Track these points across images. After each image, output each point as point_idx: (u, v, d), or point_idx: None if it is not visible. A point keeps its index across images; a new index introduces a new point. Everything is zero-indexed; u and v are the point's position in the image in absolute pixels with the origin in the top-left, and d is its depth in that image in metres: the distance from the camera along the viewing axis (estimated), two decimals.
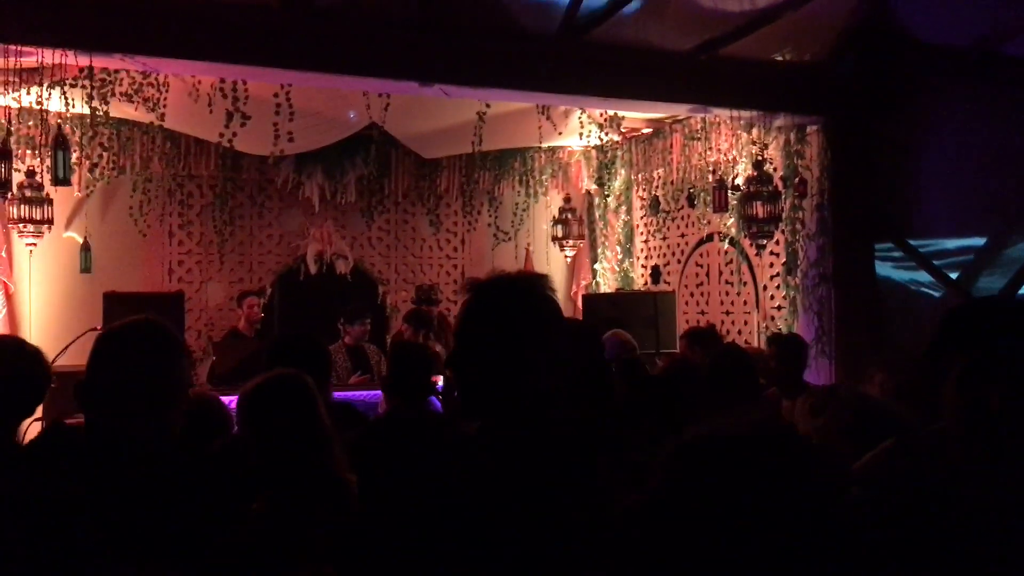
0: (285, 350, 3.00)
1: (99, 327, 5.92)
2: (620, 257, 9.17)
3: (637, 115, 7.98)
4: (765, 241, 6.89)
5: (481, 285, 1.86)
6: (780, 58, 6.68)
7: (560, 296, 7.66)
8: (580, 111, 7.53)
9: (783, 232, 7.07)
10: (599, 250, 9.43)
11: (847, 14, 6.39)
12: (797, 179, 7.00)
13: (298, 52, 5.54)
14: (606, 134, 7.95)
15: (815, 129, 6.98)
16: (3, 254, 7.16)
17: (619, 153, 8.94)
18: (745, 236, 7.11)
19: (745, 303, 7.79)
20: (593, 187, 9.24)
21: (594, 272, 9.44)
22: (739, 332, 7.78)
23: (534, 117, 7.41)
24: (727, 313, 8.02)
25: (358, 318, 7.25)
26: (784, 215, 6.90)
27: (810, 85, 6.71)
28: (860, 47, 6.60)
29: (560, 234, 8.99)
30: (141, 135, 7.42)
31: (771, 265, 7.45)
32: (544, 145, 8.54)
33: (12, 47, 5.12)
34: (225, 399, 5.97)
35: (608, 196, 9.16)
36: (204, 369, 7.82)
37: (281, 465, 2.24)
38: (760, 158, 6.85)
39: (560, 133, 7.81)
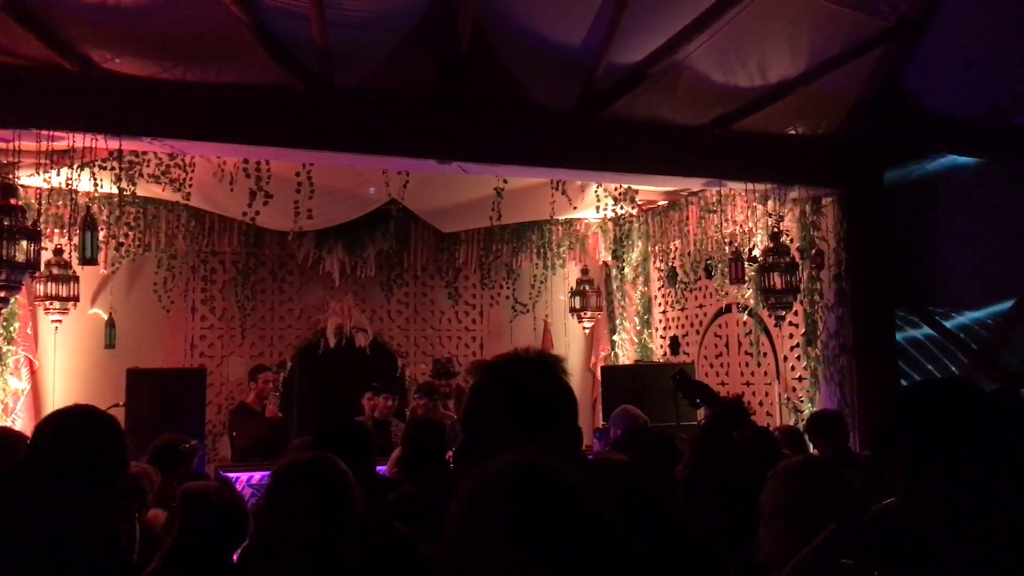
0: (330, 434, 3.01)
1: (121, 403, 5.97)
2: (638, 328, 9.17)
3: (652, 188, 8.07)
4: (784, 312, 6.87)
5: (486, 368, 1.88)
6: (794, 131, 6.77)
7: (578, 368, 7.68)
8: (596, 185, 7.64)
9: (802, 303, 7.06)
10: (617, 321, 9.43)
11: (859, 87, 6.50)
12: (814, 250, 7.01)
13: (320, 133, 5.68)
14: (621, 207, 8.04)
15: (831, 200, 7.02)
16: (29, 331, 7.25)
17: (635, 225, 9.02)
18: (763, 307, 7.10)
19: (766, 374, 7.73)
20: (610, 259, 9.30)
21: (612, 343, 9.42)
22: (760, 403, 7.70)
23: (550, 191, 7.52)
24: (747, 384, 7.95)
25: (385, 392, 7.31)
26: (802, 286, 6.91)
27: (824, 157, 6.78)
28: (873, 119, 6.70)
29: (578, 306, 9.01)
30: (166, 213, 7.59)
31: (790, 336, 7.42)
32: (561, 218, 8.64)
33: (45, 132, 5.29)
34: (244, 475, 5.98)
35: (625, 268, 9.20)
36: (223, 443, 7.85)
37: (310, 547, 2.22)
38: (776, 230, 6.89)
39: (575, 207, 7.91)
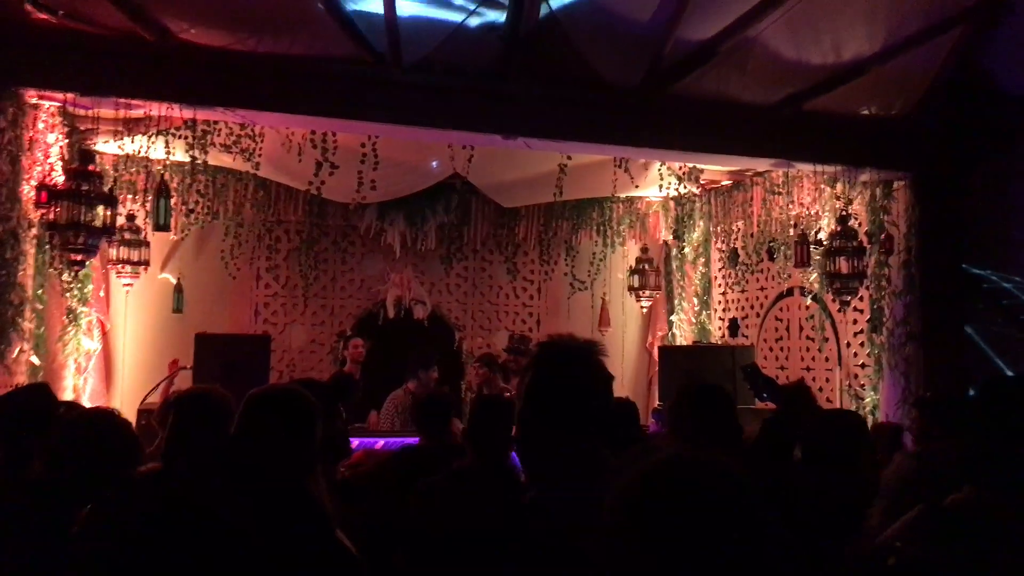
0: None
1: (190, 366, 6.15)
2: (697, 309, 9.09)
3: (718, 168, 7.96)
4: (849, 297, 6.75)
5: (549, 347, 1.94)
6: (866, 112, 6.60)
7: (635, 347, 7.68)
8: (659, 163, 7.56)
9: (867, 288, 6.92)
10: (675, 301, 9.36)
11: (935, 68, 6.29)
12: (883, 235, 6.85)
13: (387, 106, 5.73)
14: (685, 186, 7.95)
15: (902, 185, 6.85)
16: (101, 294, 7.49)
17: (698, 205, 8.91)
18: (828, 292, 6.98)
19: (827, 359, 7.61)
20: (671, 238, 9.21)
21: (670, 324, 9.36)
22: (820, 389, 7.59)
23: (612, 168, 7.47)
24: (807, 369, 7.84)
25: (430, 365, 7.35)
26: (869, 271, 6.76)
27: (897, 140, 6.61)
28: (948, 101, 6.49)
29: (636, 284, 8.96)
30: (235, 182, 7.75)
31: (854, 322, 7.28)
32: (622, 195, 8.58)
33: (123, 100, 5.44)
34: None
35: (685, 247, 9.12)
36: None
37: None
38: (844, 213, 6.75)
39: (637, 185, 7.84)
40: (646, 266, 8.97)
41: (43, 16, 5.02)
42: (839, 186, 6.91)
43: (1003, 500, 1.81)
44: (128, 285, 7.43)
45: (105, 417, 2.94)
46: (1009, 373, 6.34)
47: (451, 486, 3.32)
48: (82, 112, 5.90)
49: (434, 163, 7.43)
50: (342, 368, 7.73)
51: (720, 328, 8.91)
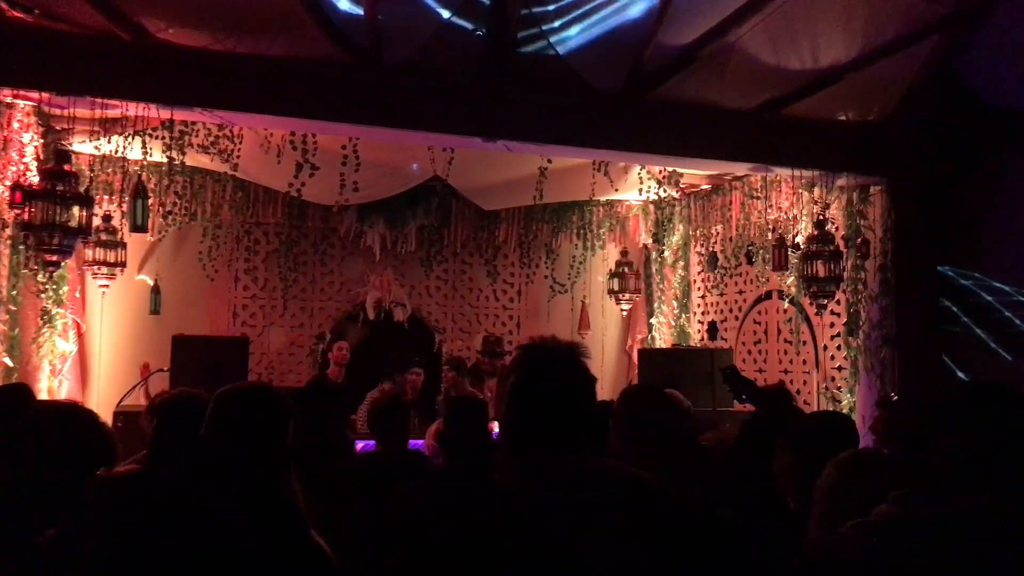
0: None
1: (166, 368, 6.10)
2: (676, 312, 9.13)
3: (698, 172, 8.00)
4: (826, 301, 6.80)
5: (532, 350, 1.94)
6: (843, 118, 6.66)
7: (614, 350, 7.67)
8: (639, 167, 7.59)
9: (844, 292, 6.98)
10: (655, 304, 9.40)
11: (912, 75, 6.36)
12: (859, 239, 6.92)
13: (368, 107, 5.71)
14: (664, 190, 7.99)
15: (879, 189, 6.92)
16: (77, 295, 7.41)
17: (677, 208, 8.96)
18: (805, 295, 7.03)
19: (804, 362, 7.67)
20: (650, 242, 9.25)
21: (650, 327, 9.40)
22: (798, 392, 7.64)
23: (592, 172, 7.49)
24: (785, 372, 7.90)
25: (406, 368, 7.34)
26: (846, 275, 6.82)
27: (874, 146, 6.67)
28: (926, 108, 6.55)
29: (616, 287, 8.98)
30: (212, 183, 7.69)
31: (831, 325, 7.35)
32: (602, 199, 8.61)
33: (99, 100, 5.38)
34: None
35: (665, 251, 9.16)
36: None
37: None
38: (821, 218, 6.80)
39: (616, 189, 7.87)
40: (626, 269, 9.00)
41: (18, 15, 4.96)
42: (816, 191, 6.97)
43: (1006, 504, 1.83)
44: (104, 286, 7.35)
45: (73, 412, 2.84)
46: (960, 375, 6.44)
47: (433, 488, 3.31)
48: (57, 112, 5.84)
49: (414, 165, 7.41)
50: (324, 371, 7.70)
51: (699, 331, 8.96)
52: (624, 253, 9.10)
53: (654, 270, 9.44)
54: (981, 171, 6.54)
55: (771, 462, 3.04)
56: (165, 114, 5.61)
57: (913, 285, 6.69)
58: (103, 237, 7.09)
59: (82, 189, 5.60)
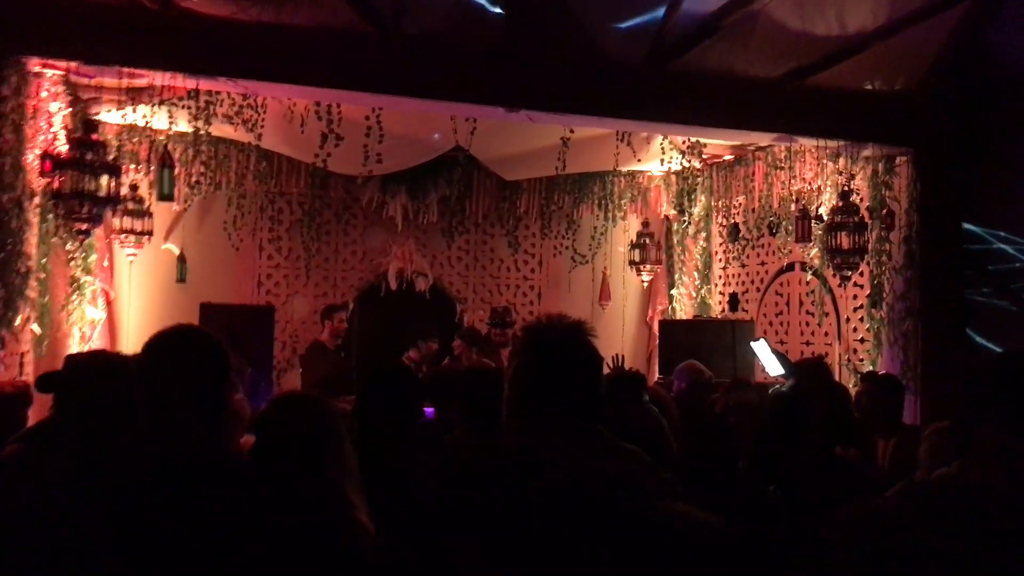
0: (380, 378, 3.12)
1: None
2: (697, 283, 9.11)
3: (721, 142, 7.95)
4: (850, 273, 6.77)
5: (534, 333, 1.96)
6: (869, 87, 6.59)
7: (635, 321, 7.71)
8: (662, 137, 7.55)
9: (868, 264, 6.94)
10: (676, 276, 9.38)
11: (940, 44, 6.28)
12: (884, 211, 6.86)
13: (391, 78, 5.72)
14: (687, 160, 7.94)
15: (904, 160, 6.84)
16: (105, 263, 7.52)
17: (699, 179, 8.90)
18: (828, 267, 7.00)
19: (826, 334, 7.65)
20: (672, 212, 9.22)
21: (670, 298, 9.39)
22: None
23: (615, 142, 7.46)
24: (807, 343, 7.89)
25: (430, 336, 7.41)
26: (870, 247, 6.78)
27: (901, 116, 6.60)
28: (954, 78, 6.47)
29: (637, 258, 8.98)
30: (237, 153, 7.74)
31: (854, 297, 7.31)
32: (624, 169, 8.58)
33: (125, 69, 5.43)
34: None
35: (687, 222, 9.11)
36: (288, 378, 8.09)
37: None
38: (846, 188, 6.75)
39: (639, 159, 7.84)
40: (647, 240, 8.98)
41: None
42: (841, 161, 6.91)
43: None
44: (132, 255, 7.45)
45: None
46: (985, 344, 6.41)
47: (451, 458, 3.36)
48: (85, 81, 5.89)
49: (436, 135, 7.41)
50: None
51: (720, 303, 8.94)
52: (645, 224, 9.08)
53: (675, 241, 9.41)
54: (1008, 142, 6.45)
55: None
56: (191, 84, 5.64)
57: (938, 257, 6.64)
58: (130, 206, 7.17)
59: (109, 158, 5.67)
